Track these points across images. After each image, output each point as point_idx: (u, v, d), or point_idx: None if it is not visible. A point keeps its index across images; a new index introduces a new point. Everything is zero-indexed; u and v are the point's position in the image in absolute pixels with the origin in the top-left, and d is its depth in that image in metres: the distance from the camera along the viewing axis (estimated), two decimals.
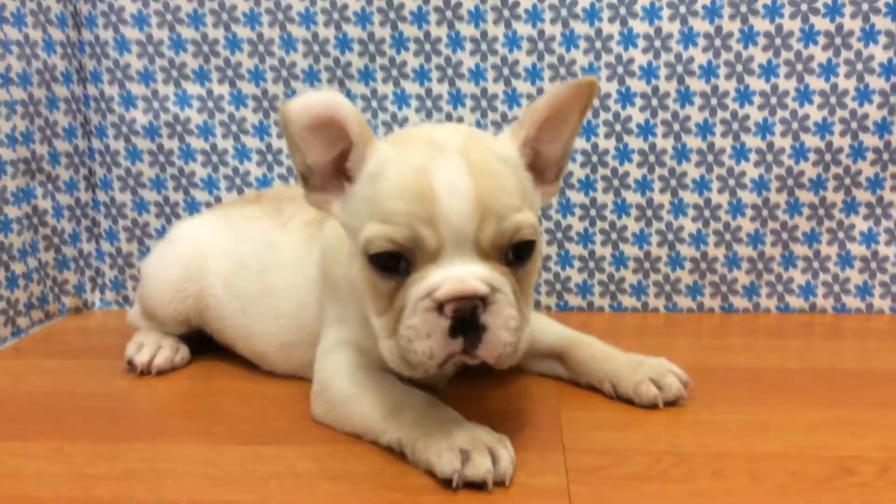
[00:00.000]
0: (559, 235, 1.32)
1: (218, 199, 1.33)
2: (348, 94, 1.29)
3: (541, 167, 0.85)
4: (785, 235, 1.30)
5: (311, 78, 1.29)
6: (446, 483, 0.75)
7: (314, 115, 0.78)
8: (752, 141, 1.26)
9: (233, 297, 1.05)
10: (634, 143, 1.28)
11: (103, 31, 1.29)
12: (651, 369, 0.95)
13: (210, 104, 1.31)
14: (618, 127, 1.27)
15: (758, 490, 0.75)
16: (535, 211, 0.82)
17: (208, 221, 1.12)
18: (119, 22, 1.29)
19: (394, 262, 0.76)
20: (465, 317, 0.73)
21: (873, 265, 1.30)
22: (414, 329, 0.74)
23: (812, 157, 1.26)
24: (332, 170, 0.82)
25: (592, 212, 1.30)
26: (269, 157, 1.33)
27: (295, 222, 1.05)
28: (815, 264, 1.31)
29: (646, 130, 1.27)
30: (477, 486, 0.74)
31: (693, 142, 1.27)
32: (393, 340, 0.76)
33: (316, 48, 1.28)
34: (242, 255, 1.06)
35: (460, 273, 0.73)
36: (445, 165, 0.75)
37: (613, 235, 1.31)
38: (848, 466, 0.79)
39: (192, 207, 1.34)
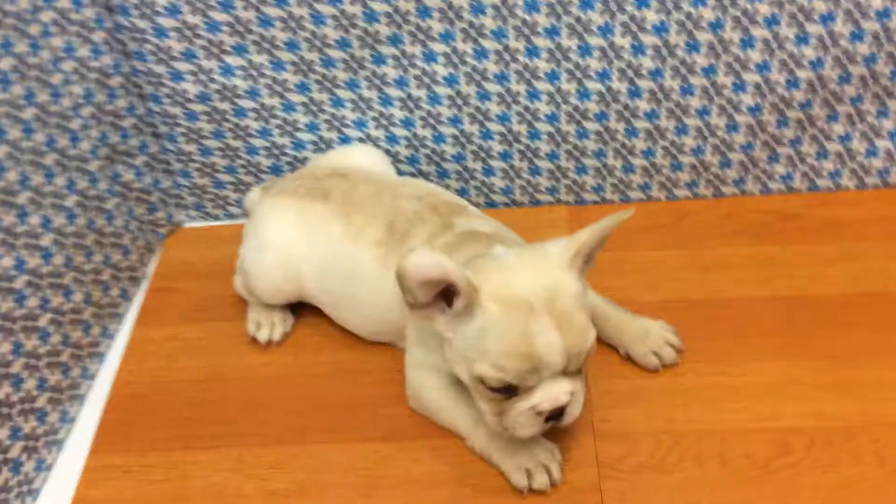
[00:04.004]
0: None
1: None
2: None
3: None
4: None
5: None
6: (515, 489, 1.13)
7: (428, 276, 1.00)
8: None
9: (324, 294, 1.33)
10: None
11: None
12: (654, 342, 1.27)
13: None
14: None
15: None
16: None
17: (289, 224, 1.32)
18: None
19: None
20: (556, 413, 1.06)
21: None
22: (519, 423, 1.06)
23: None
24: (435, 299, 1.05)
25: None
26: None
27: (364, 240, 1.25)
28: None
29: None
30: None
31: None
32: (496, 419, 1.08)
33: None
34: (325, 258, 1.29)
35: (555, 392, 1.04)
36: (540, 329, 1.00)
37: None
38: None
39: None
